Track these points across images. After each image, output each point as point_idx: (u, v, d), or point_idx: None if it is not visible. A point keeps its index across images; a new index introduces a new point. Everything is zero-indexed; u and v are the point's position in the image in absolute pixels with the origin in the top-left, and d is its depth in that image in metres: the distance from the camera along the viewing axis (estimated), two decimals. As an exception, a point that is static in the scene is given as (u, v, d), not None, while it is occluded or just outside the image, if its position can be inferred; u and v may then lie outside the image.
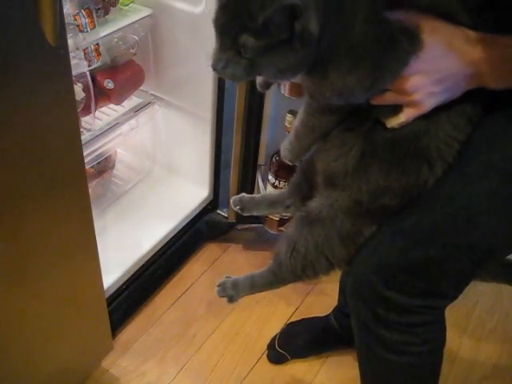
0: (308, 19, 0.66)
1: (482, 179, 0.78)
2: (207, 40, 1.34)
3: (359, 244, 0.90)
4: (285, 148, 0.95)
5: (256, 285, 1.04)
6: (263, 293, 1.56)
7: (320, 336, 1.43)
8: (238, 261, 1.68)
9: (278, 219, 1.54)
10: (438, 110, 0.77)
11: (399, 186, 0.82)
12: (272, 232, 1.60)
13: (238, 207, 1.08)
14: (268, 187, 1.53)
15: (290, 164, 0.98)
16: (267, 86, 0.96)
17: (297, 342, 1.42)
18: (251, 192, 1.63)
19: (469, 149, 0.80)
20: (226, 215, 1.70)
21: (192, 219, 1.64)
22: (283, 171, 1.47)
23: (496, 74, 0.73)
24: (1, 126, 0.80)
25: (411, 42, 0.72)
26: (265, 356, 1.43)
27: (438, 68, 0.73)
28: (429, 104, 0.76)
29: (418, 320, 0.86)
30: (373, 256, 0.86)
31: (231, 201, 1.09)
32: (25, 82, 0.80)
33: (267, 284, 1.03)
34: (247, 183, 1.61)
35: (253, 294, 1.05)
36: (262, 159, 1.58)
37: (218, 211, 1.72)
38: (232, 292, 1.03)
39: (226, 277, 1.06)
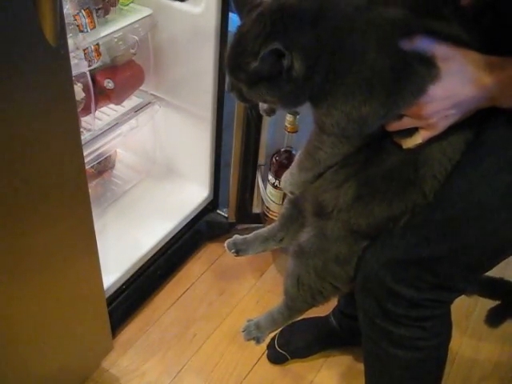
0: (292, 59, 0.73)
1: (496, 176, 0.79)
2: (207, 40, 1.36)
3: (356, 262, 0.92)
4: (286, 179, 0.97)
5: (277, 321, 1.11)
6: (262, 292, 1.58)
7: (320, 336, 1.43)
8: (237, 261, 1.68)
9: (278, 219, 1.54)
10: (434, 142, 0.81)
11: (400, 212, 0.85)
12: (272, 232, 1.60)
13: (232, 250, 1.12)
14: (268, 187, 1.53)
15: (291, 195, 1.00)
16: (271, 111, 1.01)
17: (297, 342, 1.42)
18: (251, 192, 1.63)
19: (483, 147, 0.81)
20: (225, 215, 1.70)
21: (192, 219, 1.64)
22: (283, 171, 1.46)
23: (508, 96, 0.76)
24: (0, 126, 0.80)
25: (428, 72, 0.75)
26: (265, 356, 1.43)
27: (453, 93, 0.76)
28: (444, 125, 0.79)
29: (427, 314, 0.86)
30: (383, 251, 0.86)
31: (225, 245, 1.13)
32: (25, 82, 0.80)
33: (286, 318, 1.10)
34: (247, 183, 1.61)
35: (277, 329, 1.13)
36: (262, 159, 1.58)
37: (218, 211, 1.72)
38: (257, 333, 1.12)
39: (248, 320, 1.13)
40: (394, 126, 0.80)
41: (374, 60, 0.74)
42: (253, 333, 1.11)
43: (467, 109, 0.77)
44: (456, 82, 0.75)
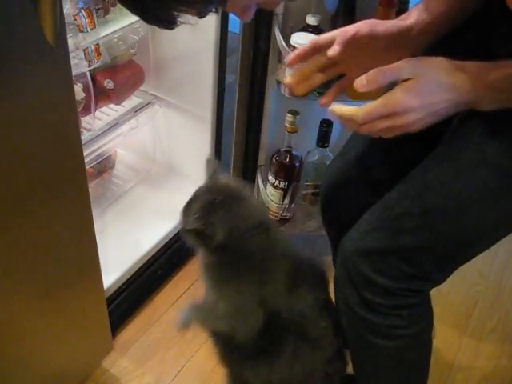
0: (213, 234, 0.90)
1: (475, 170, 0.80)
2: (207, 40, 1.36)
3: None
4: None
5: None
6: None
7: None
8: (238, 261, 1.68)
9: (278, 219, 1.54)
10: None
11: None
12: (272, 232, 1.60)
13: None
14: (268, 187, 1.53)
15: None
16: None
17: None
18: (251, 192, 1.63)
19: (461, 141, 0.83)
20: (226, 215, 1.70)
21: (192, 219, 1.64)
22: (283, 171, 1.47)
23: (486, 101, 0.76)
24: (1, 126, 0.80)
25: None
26: (265, 356, 1.43)
27: (429, 102, 0.75)
28: (422, 125, 0.78)
29: (403, 302, 0.87)
30: (361, 240, 0.88)
31: None
32: (25, 82, 0.80)
33: None
34: (247, 183, 1.61)
35: None
36: (262, 159, 1.58)
37: (218, 211, 1.72)
38: None
39: None
40: (377, 128, 0.78)
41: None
42: None
43: (446, 112, 0.77)
44: (429, 91, 0.75)
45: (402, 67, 0.75)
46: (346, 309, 0.93)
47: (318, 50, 0.87)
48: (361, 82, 0.75)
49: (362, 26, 0.85)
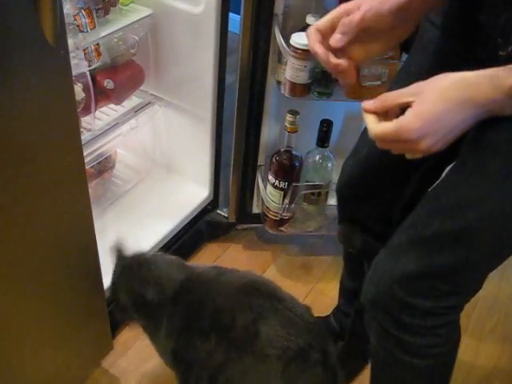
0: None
1: (506, 182, 0.76)
2: (207, 40, 1.37)
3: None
4: None
5: None
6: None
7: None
8: (238, 261, 1.68)
9: (278, 219, 1.54)
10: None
11: None
12: (272, 232, 1.60)
13: None
14: (268, 187, 1.53)
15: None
16: None
17: (297, 343, 1.42)
18: (251, 192, 1.64)
19: (486, 151, 0.78)
20: (226, 215, 1.70)
21: (192, 219, 1.64)
22: (283, 171, 1.47)
23: (507, 108, 0.72)
24: (0, 126, 0.80)
25: None
26: (265, 356, 1.43)
27: (444, 124, 0.71)
28: (446, 144, 0.74)
29: (442, 321, 0.86)
30: (395, 266, 0.85)
31: None
32: (25, 82, 0.80)
33: None
34: (247, 183, 1.61)
35: None
36: (262, 159, 1.58)
37: (218, 211, 1.72)
38: None
39: None
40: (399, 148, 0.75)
41: None
42: None
43: (466, 127, 0.73)
44: (439, 112, 0.71)
45: (404, 91, 0.73)
46: (378, 328, 0.90)
47: (323, 36, 0.79)
48: (368, 105, 0.74)
49: (366, 9, 0.77)
